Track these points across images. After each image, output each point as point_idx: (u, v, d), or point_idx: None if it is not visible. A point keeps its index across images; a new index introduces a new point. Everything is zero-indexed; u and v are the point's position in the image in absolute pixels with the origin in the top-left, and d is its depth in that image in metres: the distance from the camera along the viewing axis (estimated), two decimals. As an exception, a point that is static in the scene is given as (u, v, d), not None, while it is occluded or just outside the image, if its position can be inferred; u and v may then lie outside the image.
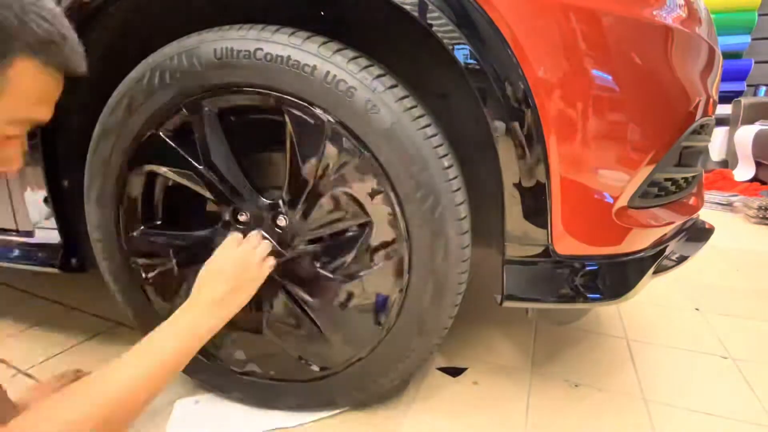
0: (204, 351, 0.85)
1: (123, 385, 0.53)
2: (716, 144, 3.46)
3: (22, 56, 0.44)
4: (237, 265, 0.68)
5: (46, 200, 0.87)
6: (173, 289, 0.83)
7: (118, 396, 0.52)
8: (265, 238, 0.75)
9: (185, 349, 0.60)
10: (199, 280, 0.67)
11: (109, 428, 0.51)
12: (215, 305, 0.64)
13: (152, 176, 0.79)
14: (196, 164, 0.74)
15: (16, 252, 0.95)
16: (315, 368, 0.81)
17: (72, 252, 0.92)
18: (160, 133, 0.74)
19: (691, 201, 0.86)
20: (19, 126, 0.48)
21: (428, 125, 0.67)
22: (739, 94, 3.54)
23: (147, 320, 0.87)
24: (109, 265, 0.84)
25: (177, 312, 0.63)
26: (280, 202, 0.73)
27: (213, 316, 0.64)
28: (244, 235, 0.76)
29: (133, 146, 0.75)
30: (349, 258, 0.74)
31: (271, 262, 0.72)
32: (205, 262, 0.69)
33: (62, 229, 0.90)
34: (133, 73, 0.73)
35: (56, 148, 0.86)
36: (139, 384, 0.54)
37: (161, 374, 0.57)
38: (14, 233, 0.95)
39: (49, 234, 0.91)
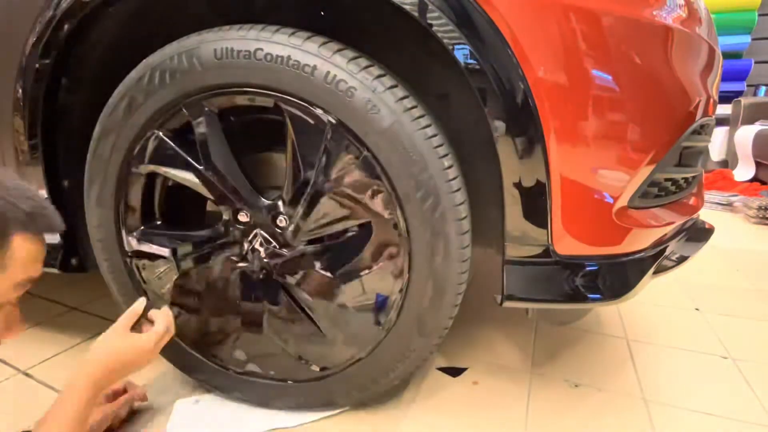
0: (205, 351, 0.86)
1: None
2: (716, 144, 3.45)
3: (17, 232, 0.53)
4: (121, 358, 0.69)
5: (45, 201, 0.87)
6: (173, 290, 0.83)
7: None
8: (264, 238, 0.75)
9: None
10: (82, 364, 0.67)
11: None
12: (92, 388, 0.65)
13: (152, 176, 0.79)
14: (196, 164, 0.74)
15: (16, 252, 0.95)
16: (315, 368, 0.81)
17: (72, 252, 0.92)
18: (160, 133, 0.74)
19: (691, 201, 0.86)
20: (21, 288, 0.55)
21: (428, 125, 0.67)
22: (739, 94, 3.54)
23: (147, 320, 0.87)
24: (109, 266, 0.84)
25: (58, 398, 0.63)
26: (280, 202, 0.73)
27: (89, 397, 0.64)
28: (244, 235, 0.76)
29: (133, 146, 0.75)
30: (348, 258, 0.74)
31: (165, 339, 0.73)
32: (95, 342, 0.70)
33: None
34: (133, 73, 0.73)
35: (56, 148, 0.86)
36: None
37: None
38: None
39: (49, 234, 0.90)
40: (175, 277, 0.81)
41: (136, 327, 0.73)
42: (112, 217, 0.80)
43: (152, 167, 0.76)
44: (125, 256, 0.83)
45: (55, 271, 0.90)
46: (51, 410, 0.62)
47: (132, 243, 0.81)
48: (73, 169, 0.86)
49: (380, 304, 0.75)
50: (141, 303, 0.75)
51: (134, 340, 0.70)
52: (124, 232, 0.81)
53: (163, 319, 0.74)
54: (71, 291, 1.38)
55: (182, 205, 0.84)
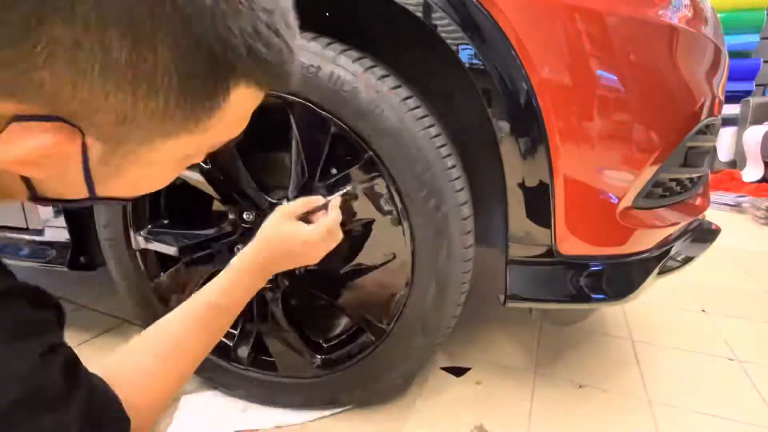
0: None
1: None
2: (724, 144, 3.42)
3: (241, 85, 0.34)
4: (309, 255, 0.62)
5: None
6: (180, 288, 0.84)
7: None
8: None
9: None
10: (274, 251, 0.60)
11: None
12: (266, 273, 0.60)
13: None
14: (202, 163, 0.74)
15: (26, 250, 0.97)
16: (318, 366, 0.82)
17: (80, 250, 0.93)
18: (167, 133, 0.75)
19: (697, 201, 0.86)
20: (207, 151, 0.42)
21: (432, 125, 0.67)
22: (748, 93, 3.50)
23: (154, 318, 0.88)
24: (117, 264, 0.86)
25: (242, 274, 0.58)
26: (285, 201, 0.74)
27: (258, 284, 0.60)
28: (249, 233, 0.76)
29: (141, 146, 0.76)
30: (351, 257, 0.74)
31: (334, 239, 0.64)
32: (301, 235, 0.60)
33: (71, 227, 0.91)
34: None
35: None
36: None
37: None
38: (25, 231, 0.96)
39: (58, 233, 0.92)
40: (182, 274, 0.82)
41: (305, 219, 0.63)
42: (119, 216, 0.81)
43: (159, 167, 0.77)
44: (133, 255, 0.84)
45: (63, 269, 0.92)
46: (222, 291, 0.56)
47: (140, 241, 0.82)
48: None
49: (383, 303, 0.75)
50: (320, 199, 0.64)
51: (299, 228, 0.60)
52: (131, 231, 0.82)
53: (334, 212, 0.62)
54: (78, 288, 1.40)
55: (189, 204, 0.85)
